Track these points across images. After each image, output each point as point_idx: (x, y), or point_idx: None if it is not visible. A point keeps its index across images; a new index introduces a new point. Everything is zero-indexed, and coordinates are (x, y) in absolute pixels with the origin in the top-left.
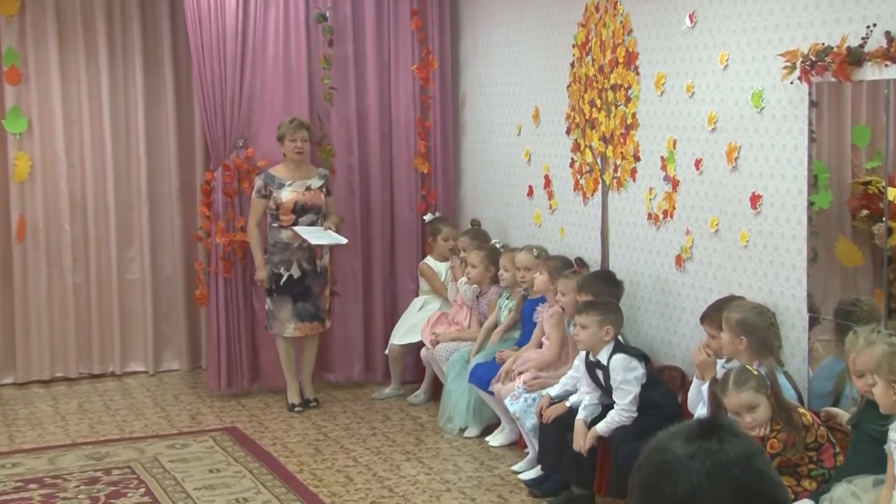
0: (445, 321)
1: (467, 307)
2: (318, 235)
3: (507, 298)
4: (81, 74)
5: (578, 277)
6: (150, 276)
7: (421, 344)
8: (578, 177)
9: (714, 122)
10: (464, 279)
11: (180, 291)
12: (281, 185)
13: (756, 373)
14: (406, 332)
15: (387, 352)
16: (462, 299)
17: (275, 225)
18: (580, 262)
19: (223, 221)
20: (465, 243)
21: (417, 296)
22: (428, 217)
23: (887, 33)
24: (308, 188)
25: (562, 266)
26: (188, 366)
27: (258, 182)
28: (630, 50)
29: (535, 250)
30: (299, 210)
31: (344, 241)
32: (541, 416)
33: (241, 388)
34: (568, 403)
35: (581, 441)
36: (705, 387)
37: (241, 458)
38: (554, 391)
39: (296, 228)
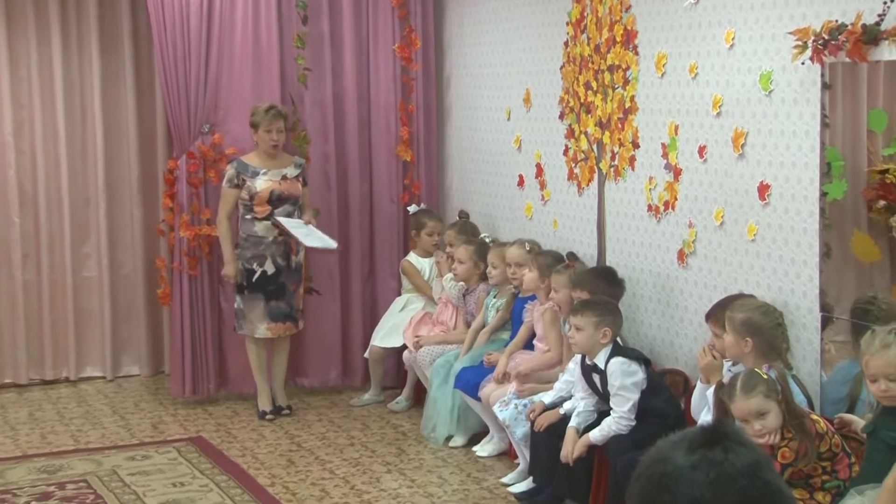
0: (430, 321)
1: (452, 306)
2: (306, 233)
3: (495, 297)
4: (32, 55)
5: (571, 272)
6: (107, 274)
7: (404, 346)
8: (573, 165)
9: (719, 106)
10: (449, 276)
11: (141, 290)
12: (255, 174)
13: (766, 377)
14: (388, 333)
15: (366, 355)
16: (447, 297)
17: (248, 217)
18: (572, 256)
19: (188, 214)
20: (452, 237)
21: (399, 295)
22: (412, 209)
23: None
24: (284, 177)
25: (553, 262)
26: (149, 371)
27: (229, 171)
28: (628, 28)
29: (526, 245)
30: (275, 200)
31: (335, 245)
32: (533, 423)
33: (207, 395)
34: (562, 410)
35: (570, 448)
36: (710, 391)
37: (207, 470)
38: (548, 398)
39: (281, 221)
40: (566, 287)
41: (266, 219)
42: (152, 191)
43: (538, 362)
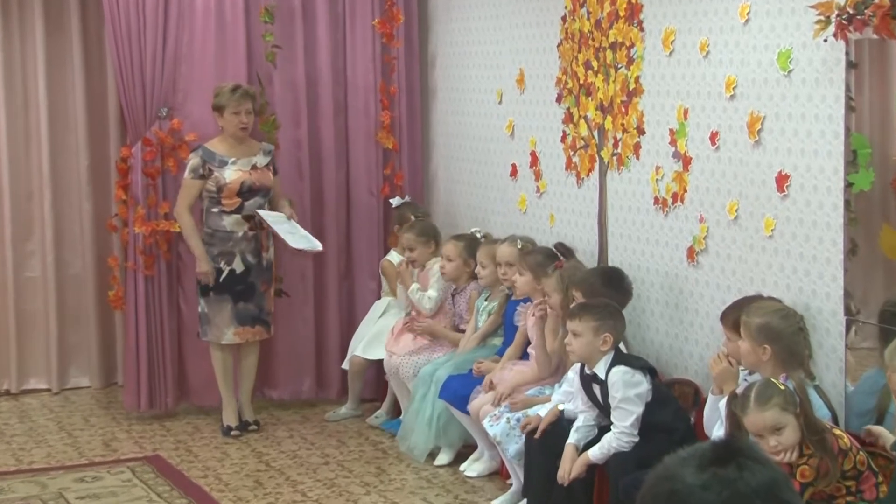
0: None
1: (425, 317)
2: (290, 230)
3: (486, 300)
4: None
5: (559, 273)
6: (53, 275)
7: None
8: (571, 153)
9: (733, 88)
10: (415, 286)
11: (90, 292)
12: (223, 164)
13: (783, 387)
14: (371, 342)
15: (345, 365)
16: (418, 309)
17: (214, 210)
18: (562, 248)
19: (143, 207)
20: (412, 240)
21: (379, 297)
22: (395, 201)
23: None
24: (254, 166)
25: (544, 260)
26: (100, 382)
27: (194, 160)
28: (633, 1)
29: (519, 242)
30: (246, 192)
31: (320, 246)
32: (531, 433)
33: (165, 409)
34: (561, 406)
35: (567, 468)
36: (724, 403)
37: (165, 493)
38: (544, 411)
39: (264, 216)
40: (558, 290)
41: (236, 212)
42: (103, 182)
43: (520, 378)
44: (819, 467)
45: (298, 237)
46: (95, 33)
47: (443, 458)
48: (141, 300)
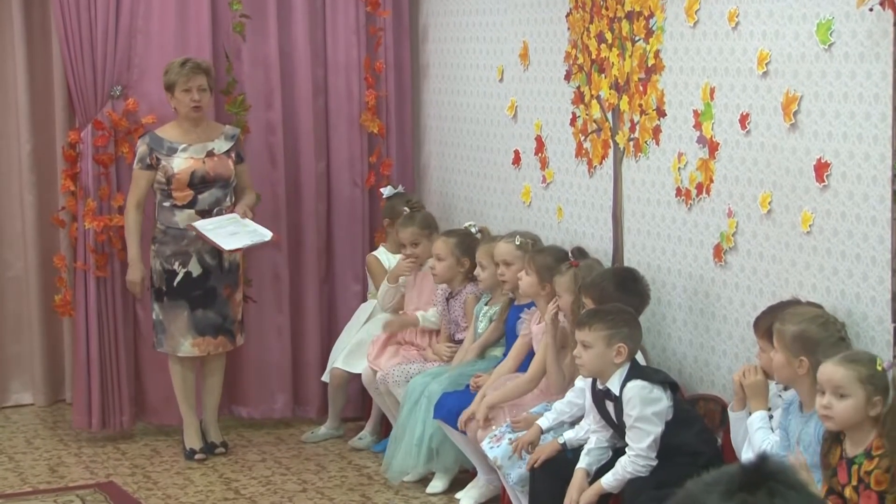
0: (395, 342)
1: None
2: (229, 232)
3: (487, 304)
4: None
5: (575, 272)
6: None
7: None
8: (582, 138)
9: (766, 64)
10: (432, 311)
11: (34, 297)
12: (172, 151)
13: (880, 368)
14: (353, 352)
15: (325, 377)
16: (423, 329)
17: (166, 204)
18: (579, 252)
19: (94, 200)
20: (416, 234)
21: (365, 300)
22: (387, 191)
23: None
24: (210, 153)
25: (554, 262)
26: (46, 399)
27: (141, 148)
28: None
29: (517, 238)
30: (198, 183)
31: (268, 235)
32: (535, 461)
33: (119, 429)
34: (561, 440)
35: (574, 496)
36: (753, 419)
37: None
38: (546, 422)
39: (196, 225)
40: (570, 291)
41: (188, 206)
42: (49, 171)
43: (509, 391)
44: (891, 470)
45: (241, 237)
46: (38, 2)
47: (436, 484)
48: (92, 305)
